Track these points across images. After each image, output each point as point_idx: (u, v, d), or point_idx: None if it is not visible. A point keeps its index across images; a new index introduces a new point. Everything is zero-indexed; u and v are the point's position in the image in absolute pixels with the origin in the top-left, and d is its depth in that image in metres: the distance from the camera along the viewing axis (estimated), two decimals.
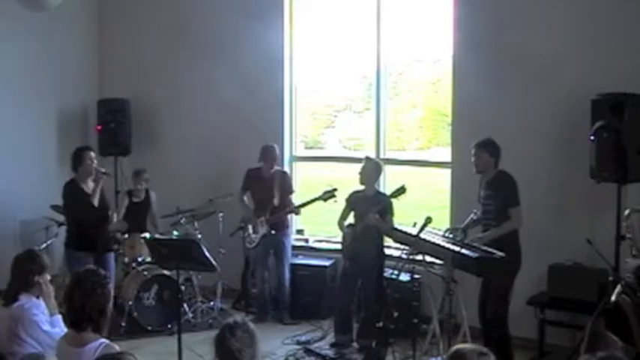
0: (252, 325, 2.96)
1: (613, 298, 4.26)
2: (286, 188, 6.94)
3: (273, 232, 6.83)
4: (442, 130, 7.98)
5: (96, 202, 6.05)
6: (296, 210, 6.86)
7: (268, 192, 6.83)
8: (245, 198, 7.08)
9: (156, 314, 6.60)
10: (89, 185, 6.08)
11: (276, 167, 6.98)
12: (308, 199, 6.74)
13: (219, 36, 7.71)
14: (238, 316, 3.06)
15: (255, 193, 6.98)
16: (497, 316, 5.42)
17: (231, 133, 7.65)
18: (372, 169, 6.21)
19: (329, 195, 6.42)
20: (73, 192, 6.05)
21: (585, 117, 5.40)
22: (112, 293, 3.46)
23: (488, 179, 5.54)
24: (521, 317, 5.77)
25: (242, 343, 2.85)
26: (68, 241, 6.15)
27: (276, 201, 6.82)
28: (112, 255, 6.31)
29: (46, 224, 6.94)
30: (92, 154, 6.12)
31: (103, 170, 6.19)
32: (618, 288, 4.32)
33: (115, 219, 6.58)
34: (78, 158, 6.05)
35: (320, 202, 6.59)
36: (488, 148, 5.51)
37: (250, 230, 6.89)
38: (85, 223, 6.02)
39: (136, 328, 6.46)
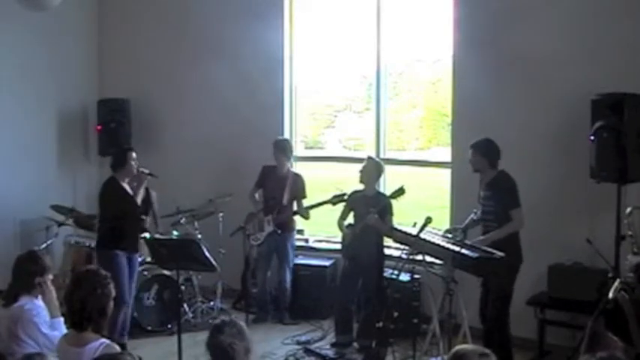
0: (240, 323, 2.99)
1: (611, 294, 4.26)
2: (298, 191, 6.93)
3: (279, 231, 6.83)
4: (442, 130, 7.99)
5: (139, 200, 6.06)
6: (305, 214, 6.85)
7: (279, 190, 6.84)
8: (256, 195, 7.07)
9: (156, 314, 6.61)
10: (126, 184, 6.07)
11: (291, 168, 7.04)
12: (317, 201, 6.71)
13: (219, 36, 7.71)
14: (225, 317, 3.06)
15: (267, 190, 6.97)
16: (498, 316, 5.41)
17: (231, 133, 7.65)
18: (372, 169, 6.21)
19: (339, 199, 6.39)
20: (114, 190, 6.01)
21: (585, 117, 5.40)
22: (113, 293, 3.46)
23: (488, 180, 5.53)
24: (521, 317, 5.77)
25: (232, 337, 2.87)
26: (103, 241, 6.03)
27: (285, 201, 6.83)
28: (138, 256, 6.25)
29: (46, 224, 6.94)
30: (134, 154, 6.10)
31: (148, 171, 6.16)
32: (616, 283, 4.31)
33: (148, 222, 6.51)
34: (121, 159, 6.04)
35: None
36: (481, 148, 5.50)
37: (255, 227, 6.88)
38: (122, 222, 5.98)
39: (136, 328, 6.46)
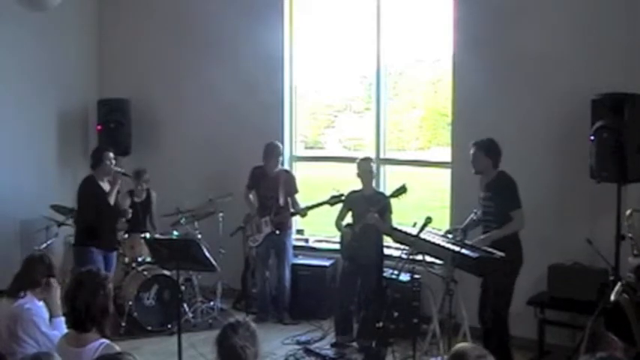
0: (253, 325, 2.97)
1: (612, 297, 4.26)
2: (290, 188, 6.94)
3: (277, 232, 6.83)
4: (442, 130, 7.98)
5: (112, 201, 6.18)
6: (302, 212, 6.85)
7: (273, 191, 6.84)
8: (251, 196, 7.08)
9: (156, 314, 6.60)
10: (106, 183, 6.21)
11: (281, 166, 7.00)
12: (315, 202, 6.70)
13: (219, 36, 7.71)
14: (239, 316, 3.06)
15: (260, 191, 6.98)
16: (497, 316, 5.41)
17: (231, 133, 7.65)
18: (369, 169, 6.24)
19: (336, 200, 6.40)
20: (90, 188, 6.15)
21: (585, 117, 5.40)
22: (112, 292, 3.47)
23: (488, 181, 5.52)
24: (521, 317, 5.77)
25: (245, 340, 2.86)
26: (80, 237, 6.20)
27: (281, 201, 6.83)
28: (115, 254, 6.41)
29: (46, 224, 6.93)
30: (111, 154, 6.25)
31: (123, 171, 6.32)
32: (618, 286, 4.31)
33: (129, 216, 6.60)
34: (97, 158, 6.20)
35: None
36: (486, 148, 5.49)
37: (253, 229, 6.88)
38: (98, 220, 6.09)
39: (136, 328, 6.46)
